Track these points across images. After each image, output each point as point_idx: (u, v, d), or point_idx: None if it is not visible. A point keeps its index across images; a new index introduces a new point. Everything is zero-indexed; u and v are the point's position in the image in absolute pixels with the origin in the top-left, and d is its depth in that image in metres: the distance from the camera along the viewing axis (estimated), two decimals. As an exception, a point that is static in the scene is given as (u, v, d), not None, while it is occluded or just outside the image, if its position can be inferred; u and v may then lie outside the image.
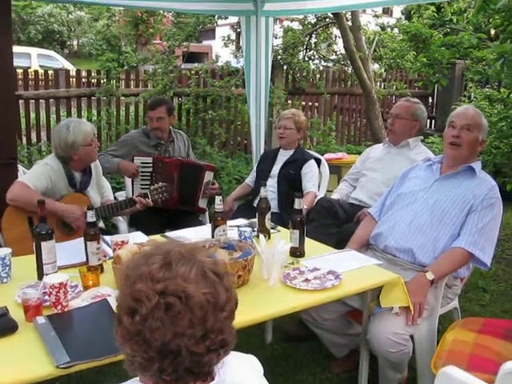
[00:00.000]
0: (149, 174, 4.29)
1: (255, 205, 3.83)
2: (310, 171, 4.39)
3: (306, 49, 9.21)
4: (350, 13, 7.81)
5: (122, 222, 4.20)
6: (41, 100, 7.30)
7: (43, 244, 2.49)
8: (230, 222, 3.27)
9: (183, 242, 1.40)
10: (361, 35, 7.90)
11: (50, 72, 7.67)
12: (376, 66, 9.56)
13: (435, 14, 8.38)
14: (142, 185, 4.30)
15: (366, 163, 4.25)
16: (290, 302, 2.43)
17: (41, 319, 2.10)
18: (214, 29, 20.84)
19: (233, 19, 8.57)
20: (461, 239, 2.93)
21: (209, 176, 4.41)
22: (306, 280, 2.59)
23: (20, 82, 7.41)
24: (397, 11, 20.58)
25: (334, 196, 4.26)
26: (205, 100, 8.02)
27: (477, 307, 4.28)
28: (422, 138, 4.25)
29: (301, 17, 8.96)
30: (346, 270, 2.70)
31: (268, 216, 3.18)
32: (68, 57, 26.07)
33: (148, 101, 7.08)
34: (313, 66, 9.38)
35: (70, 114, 7.35)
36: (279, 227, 3.45)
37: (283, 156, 4.53)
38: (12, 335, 2.03)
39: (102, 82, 7.59)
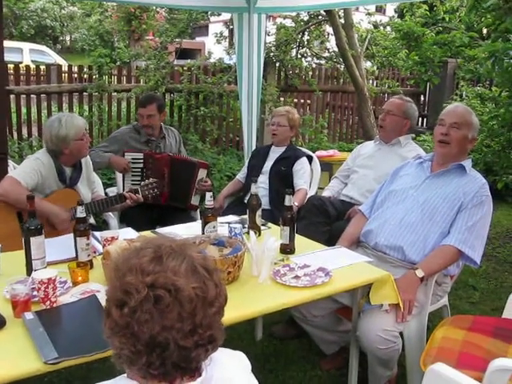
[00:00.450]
0: (139, 169, 4.28)
1: (246, 201, 3.83)
2: (301, 168, 4.39)
3: (299, 46, 9.22)
4: (342, 10, 7.82)
5: (112, 218, 4.19)
6: (32, 95, 7.28)
7: (32, 239, 2.48)
8: (220, 219, 3.26)
9: (174, 237, 1.39)
10: (353, 33, 7.92)
11: (42, 67, 7.66)
12: (368, 64, 9.58)
13: (428, 13, 8.40)
14: (132, 180, 4.29)
15: (357, 160, 4.25)
16: (280, 299, 2.42)
17: (29, 315, 2.09)
18: (207, 25, 20.83)
19: (226, 16, 8.55)
20: (451, 237, 2.94)
21: (202, 173, 4.40)
22: (296, 277, 2.59)
23: (11, 76, 7.36)
24: (390, 9, 20.63)
25: (325, 193, 4.26)
26: (197, 96, 8.01)
27: (467, 305, 4.29)
28: (413, 135, 4.25)
29: (293, 14, 8.97)
30: (336, 267, 2.69)
31: (259, 213, 3.17)
32: (60, 52, 25.97)
33: (140, 97, 7.09)
34: (305, 64, 9.40)
35: (62, 109, 7.33)
36: (270, 224, 3.45)
37: (275, 153, 4.53)
38: (0, 331, 2.01)
39: (93, 77, 7.56)
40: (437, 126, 3.19)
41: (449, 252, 2.93)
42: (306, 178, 4.39)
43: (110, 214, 4.19)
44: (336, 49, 8.45)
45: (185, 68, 8.15)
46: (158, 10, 15.98)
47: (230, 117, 8.40)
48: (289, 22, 9.31)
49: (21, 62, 12.27)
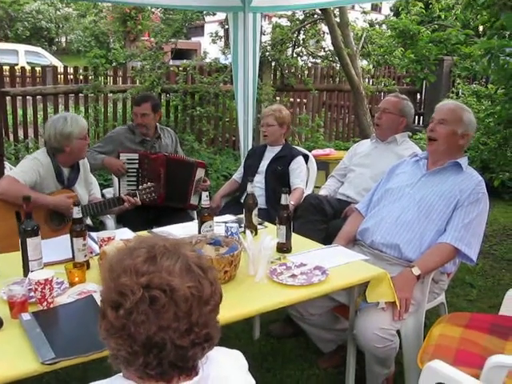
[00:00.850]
0: (135, 170, 4.28)
1: (242, 201, 3.83)
2: (298, 167, 4.39)
3: (295, 45, 9.23)
4: (337, 9, 7.82)
5: (109, 218, 4.18)
6: (28, 97, 7.27)
7: (29, 241, 2.48)
8: (217, 218, 3.26)
9: (168, 236, 1.39)
10: (349, 31, 7.92)
11: (38, 69, 7.65)
12: (364, 63, 9.59)
13: (423, 11, 8.40)
14: (128, 181, 4.28)
15: (354, 159, 4.26)
16: (277, 298, 2.42)
17: (26, 316, 2.09)
18: (203, 25, 20.85)
19: (221, 15, 8.54)
20: (447, 234, 2.94)
21: (200, 173, 4.40)
22: (293, 275, 2.59)
23: (7, 78, 7.36)
24: (385, 8, 20.67)
25: (322, 192, 4.26)
26: (193, 96, 8.02)
27: (464, 303, 4.30)
28: (409, 134, 4.26)
29: (289, 13, 8.97)
30: (332, 266, 2.70)
31: (255, 212, 3.17)
32: (56, 54, 25.93)
33: (136, 96, 7.08)
34: (301, 63, 9.41)
35: (57, 110, 7.32)
36: (266, 223, 3.45)
37: (271, 152, 4.53)
38: (-3, 332, 2.01)
39: (89, 78, 7.55)
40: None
41: (445, 250, 2.93)
42: (302, 176, 4.39)
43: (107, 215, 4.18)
44: (332, 47, 8.45)
45: (180, 68, 8.15)
46: (153, 10, 15.97)
47: (226, 117, 8.40)
48: (284, 21, 9.31)
49: (16, 64, 12.26)
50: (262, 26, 6.50)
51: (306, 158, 4.59)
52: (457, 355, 2.46)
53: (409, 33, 7.11)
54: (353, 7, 10.59)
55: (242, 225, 3.21)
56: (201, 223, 2.97)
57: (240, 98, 5.59)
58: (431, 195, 3.06)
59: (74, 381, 3.13)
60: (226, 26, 8.27)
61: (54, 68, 7.89)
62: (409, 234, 3.03)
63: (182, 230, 3.19)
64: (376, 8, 22.43)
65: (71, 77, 7.80)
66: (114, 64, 8.53)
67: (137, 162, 4.27)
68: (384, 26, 9.74)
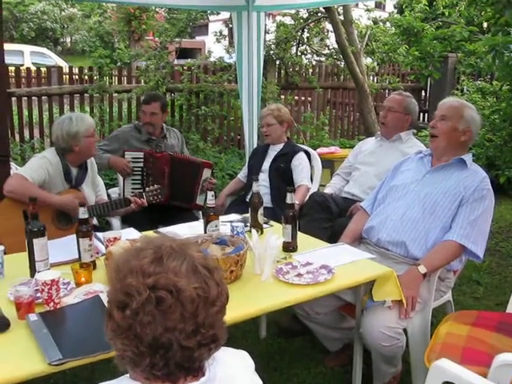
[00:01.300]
0: (140, 168, 4.28)
1: (248, 200, 3.83)
2: (299, 164, 4.39)
3: (299, 43, 9.22)
4: (341, 7, 7.81)
5: (115, 218, 4.19)
6: (33, 97, 7.28)
7: (35, 241, 2.49)
8: (222, 218, 3.26)
9: (174, 237, 1.39)
10: (353, 29, 7.91)
11: (43, 69, 7.66)
12: (368, 60, 9.57)
13: (427, 8, 8.38)
14: (133, 180, 4.29)
15: (359, 157, 4.25)
16: (283, 297, 2.42)
17: (33, 316, 2.09)
18: (207, 24, 20.81)
19: (225, 15, 8.54)
20: (453, 232, 2.93)
21: (207, 173, 4.41)
22: (299, 274, 2.59)
23: (12, 79, 7.38)
24: (389, 5, 20.57)
25: (327, 190, 4.26)
26: (198, 96, 8.01)
27: (471, 300, 4.29)
28: (414, 131, 4.25)
29: (293, 11, 8.95)
30: (338, 264, 2.70)
31: (260, 211, 3.17)
32: (61, 54, 25.97)
33: (141, 97, 7.09)
34: (305, 61, 9.39)
35: (63, 110, 7.33)
36: (272, 222, 3.45)
37: (273, 150, 4.54)
38: (4, 333, 2.02)
39: (94, 78, 7.56)
40: None
41: (451, 247, 2.93)
42: (305, 173, 4.39)
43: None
44: (336, 45, 8.44)
45: (185, 67, 8.14)
46: (157, 10, 15.97)
47: (230, 115, 8.40)
48: (288, 20, 9.30)
49: (22, 65, 12.31)
50: (266, 25, 6.49)
51: (308, 154, 4.59)
52: (464, 353, 2.46)
53: (413, 30, 7.11)
54: (356, 5, 10.57)
55: (248, 224, 3.22)
56: (206, 223, 2.97)
57: (245, 97, 5.59)
58: (436, 192, 3.05)
59: (81, 381, 3.14)
60: (230, 25, 8.26)
61: (60, 68, 7.89)
62: (414, 232, 3.02)
63: (187, 230, 3.19)
64: (380, 6, 22.39)
65: (76, 77, 7.80)
66: (119, 64, 8.52)
67: (142, 160, 4.28)
68: (388, 24, 9.71)
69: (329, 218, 3.85)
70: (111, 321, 1.26)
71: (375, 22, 9.63)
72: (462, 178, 3.03)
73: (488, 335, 2.61)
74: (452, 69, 9.81)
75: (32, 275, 2.46)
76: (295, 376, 3.28)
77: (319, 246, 3.03)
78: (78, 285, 2.41)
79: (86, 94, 7.51)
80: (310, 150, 4.77)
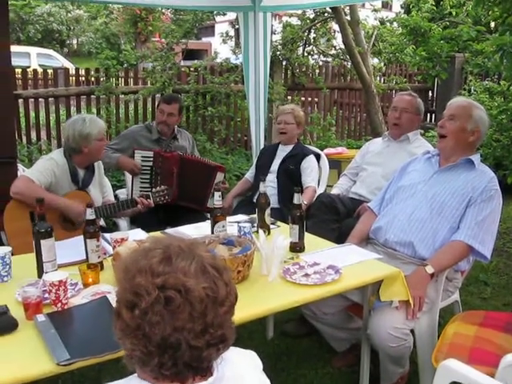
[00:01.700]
0: (149, 168, 4.29)
1: (255, 200, 3.83)
2: (309, 166, 4.39)
3: (305, 44, 9.21)
4: (348, 7, 7.80)
5: (122, 219, 4.19)
6: (40, 99, 7.31)
7: (43, 242, 2.49)
8: (229, 218, 3.26)
9: (182, 237, 1.39)
10: (360, 30, 7.89)
11: (50, 71, 7.68)
12: (375, 61, 9.55)
13: (434, 8, 8.35)
14: (142, 179, 4.30)
15: (366, 157, 4.25)
16: (291, 297, 2.42)
17: (41, 317, 2.10)
18: (214, 26, 20.83)
19: (231, 15, 8.55)
20: (460, 232, 2.93)
21: (220, 176, 4.41)
22: (306, 275, 2.59)
23: (19, 81, 7.40)
24: (396, 5, 20.52)
25: (334, 191, 4.26)
26: (204, 97, 8.02)
27: (478, 301, 4.27)
28: (421, 131, 4.25)
29: (299, 12, 8.95)
30: (346, 265, 2.69)
31: (268, 211, 3.17)
32: (68, 56, 26.06)
33: (148, 98, 7.12)
34: (312, 61, 9.38)
35: (70, 112, 7.36)
36: (279, 222, 3.45)
37: (282, 151, 4.53)
38: (12, 333, 2.02)
39: (101, 80, 7.58)
40: None
41: (459, 248, 2.92)
42: (313, 175, 4.39)
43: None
44: (343, 46, 8.43)
45: (191, 69, 8.15)
46: (163, 11, 15.99)
47: (237, 116, 8.41)
48: (295, 20, 9.30)
49: (28, 67, 12.36)
50: (272, 26, 6.49)
51: (318, 156, 4.59)
52: (471, 354, 2.45)
53: (420, 30, 7.08)
54: (363, 5, 10.54)
55: (255, 224, 3.22)
56: (214, 223, 2.97)
57: (251, 98, 5.59)
58: (443, 192, 3.05)
59: (88, 381, 3.15)
60: (237, 26, 8.27)
61: (66, 70, 7.92)
62: (422, 232, 3.01)
63: (194, 231, 3.20)
64: (386, 6, 22.35)
65: (83, 78, 7.82)
66: (125, 65, 8.53)
67: (151, 159, 4.29)
68: (395, 24, 9.69)
69: (336, 219, 3.84)
70: (120, 320, 1.27)
71: (382, 22, 9.61)
72: (470, 179, 3.03)
73: (496, 335, 2.61)
74: (459, 69, 9.79)
75: (40, 276, 2.46)
76: (302, 376, 3.27)
77: (326, 247, 3.02)
78: (86, 285, 2.41)
79: (92, 96, 7.53)
80: (319, 151, 4.77)
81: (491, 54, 4.83)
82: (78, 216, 3.51)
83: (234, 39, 9.22)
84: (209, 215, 4.33)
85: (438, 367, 2.21)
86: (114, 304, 1.31)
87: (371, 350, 2.97)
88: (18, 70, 7.41)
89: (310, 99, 9.33)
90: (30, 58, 18.20)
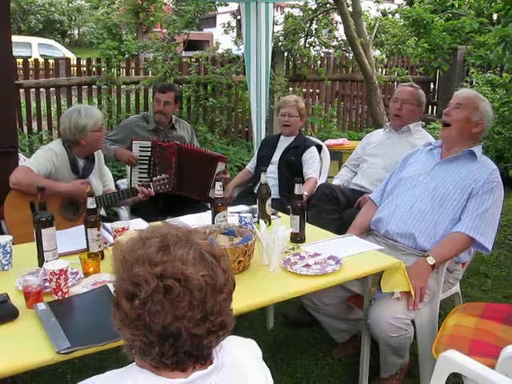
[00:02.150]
0: (147, 158, 4.28)
1: (256, 191, 3.83)
2: (310, 157, 4.39)
3: (307, 35, 9.18)
4: (350, -2, 7.77)
5: (123, 209, 4.19)
6: (41, 89, 7.29)
7: (43, 231, 2.49)
8: (230, 209, 3.27)
9: (179, 225, 1.39)
10: (362, 21, 7.86)
11: (51, 61, 7.66)
12: (377, 52, 9.53)
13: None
14: (140, 169, 4.29)
15: (367, 149, 4.24)
16: (291, 287, 2.42)
17: (41, 306, 2.10)
18: (215, 16, 20.81)
19: (233, 6, 8.52)
20: (461, 224, 2.92)
21: (221, 167, 4.39)
22: (307, 265, 2.59)
23: (20, 71, 7.38)
24: (398, -3, 20.47)
25: (335, 182, 4.26)
26: (205, 87, 8.00)
27: (478, 293, 4.28)
28: (423, 123, 4.24)
29: (301, 3, 8.93)
30: (346, 255, 2.69)
31: (268, 202, 3.17)
32: (69, 46, 26.01)
33: (149, 88, 7.10)
34: (314, 53, 9.36)
35: (71, 102, 7.34)
36: (280, 213, 3.45)
37: (284, 142, 4.52)
38: (13, 322, 2.03)
39: (102, 70, 7.56)
40: None
41: (460, 239, 2.92)
42: (315, 167, 4.38)
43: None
44: (344, 37, 8.40)
45: (193, 59, 8.13)
46: (165, 1, 15.93)
47: (238, 107, 8.39)
48: (297, 12, 9.27)
49: (30, 57, 12.33)
50: (274, 16, 6.47)
51: (319, 148, 4.58)
52: (472, 345, 2.46)
53: (422, 22, 7.04)
54: (365, -4, 10.50)
55: (256, 215, 3.22)
56: (214, 213, 2.97)
57: (253, 89, 5.59)
58: (445, 184, 3.04)
59: (89, 370, 3.14)
60: (239, 17, 8.25)
61: (67, 60, 7.89)
62: (423, 223, 3.01)
63: (196, 220, 3.19)
64: (389, -3, 22.29)
65: (84, 69, 7.81)
66: (127, 56, 8.50)
67: (149, 149, 4.28)
68: (397, 15, 9.66)
69: (337, 210, 3.85)
70: (119, 311, 1.26)
71: (384, 13, 9.58)
72: (472, 170, 3.02)
73: (496, 327, 2.61)
74: (461, 61, 9.77)
75: (40, 265, 2.47)
76: (302, 367, 3.28)
77: (327, 237, 3.02)
78: (86, 275, 2.41)
79: (93, 86, 7.51)
80: (320, 143, 4.76)
81: (493, 45, 4.80)
82: (83, 193, 3.46)
83: (235, 30, 9.19)
84: (210, 205, 4.36)
85: (438, 358, 2.21)
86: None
87: (371, 342, 2.97)
88: (19, 60, 7.40)
89: (311, 90, 9.31)
90: (31, 48, 18.17)
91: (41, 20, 28.95)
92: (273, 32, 6.25)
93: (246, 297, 2.23)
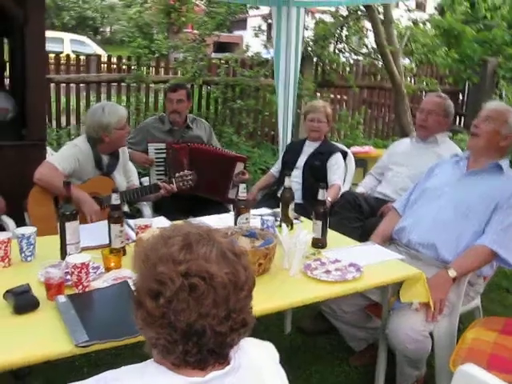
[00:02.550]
0: (163, 159, 4.30)
1: (279, 195, 3.83)
2: (335, 163, 4.37)
3: (337, 41, 9.16)
4: (382, 6, 7.75)
5: (146, 206, 4.22)
6: (71, 84, 7.36)
7: (67, 224, 2.52)
8: (253, 211, 3.26)
9: (200, 224, 1.39)
10: (392, 29, 7.83)
11: (82, 57, 7.74)
12: (407, 61, 9.48)
13: (469, 10, 8.26)
14: (157, 171, 4.32)
15: (393, 157, 4.22)
16: (311, 293, 2.42)
17: (62, 298, 2.12)
18: (246, 19, 20.84)
19: (264, 10, 8.55)
20: (485, 237, 2.89)
21: (239, 167, 4.39)
22: (327, 271, 2.58)
23: (52, 66, 7.47)
24: (430, 7, 20.34)
25: (359, 189, 4.25)
26: (233, 89, 8.02)
27: (499, 308, 4.22)
28: (450, 134, 4.21)
29: (332, 9, 8.92)
30: (367, 263, 2.68)
31: (291, 206, 3.17)
32: (100, 43, 26.22)
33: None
34: (343, 59, 9.34)
35: (100, 98, 7.41)
36: (302, 218, 3.44)
37: (309, 147, 4.51)
38: (33, 312, 2.05)
39: (132, 68, 7.62)
40: None
41: (482, 252, 2.89)
42: (339, 173, 4.37)
43: (144, 202, 4.21)
44: (374, 45, 8.38)
45: (222, 61, 8.16)
46: (197, 2, 16.01)
47: (265, 110, 8.39)
48: (328, 18, 9.26)
49: (61, 52, 12.43)
50: (305, 21, 6.47)
51: (345, 154, 4.57)
52: (490, 360, 2.43)
53: (453, 32, 7.02)
54: (397, 5, 10.45)
55: (278, 218, 3.21)
56: (237, 215, 2.97)
57: (281, 93, 5.59)
58: (470, 196, 3.02)
59: (104, 365, 3.15)
60: (269, 21, 8.26)
61: (98, 57, 7.97)
62: (446, 234, 2.98)
63: (218, 221, 3.20)
64: (420, 6, 22.16)
65: (114, 66, 7.88)
66: (157, 55, 8.56)
67: (164, 151, 4.30)
68: (428, 25, 9.61)
69: (359, 218, 3.83)
70: (141, 310, 1.26)
71: (415, 22, 9.52)
72: (498, 184, 2.99)
73: (516, 343, 2.58)
74: (491, 73, 9.66)
75: (63, 258, 2.49)
76: (317, 373, 3.27)
77: (349, 244, 3.01)
78: (108, 270, 2.43)
79: (123, 84, 7.58)
80: (346, 149, 4.75)
81: (525, 58, 4.77)
82: (89, 213, 3.47)
83: (265, 33, 9.21)
84: (231, 206, 4.36)
85: (456, 371, 2.18)
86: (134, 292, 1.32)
87: (388, 351, 2.96)
88: (51, 55, 7.47)
89: (338, 97, 9.29)
90: (63, 43, 18.34)
91: (74, 16, 29.28)
92: (303, 37, 6.24)
93: (264, 300, 2.23)
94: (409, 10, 9.33)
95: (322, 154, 4.43)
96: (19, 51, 3.98)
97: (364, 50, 9.60)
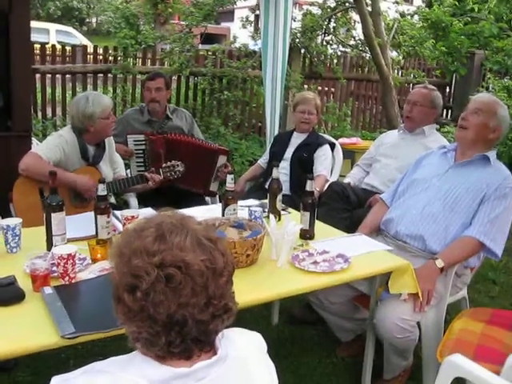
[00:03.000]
0: (142, 151, 4.25)
1: (267, 187, 3.82)
2: (323, 155, 4.37)
3: (325, 33, 9.14)
4: (369, -2, 7.74)
5: (133, 197, 4.19)
6: (57, 75, 7.29)
7: (53, 215, 2.50)
8: (240, 202, 3.25)
9: (172, 213, 1.38)
10: (380, 21, 7.81)
11: (68, 48, 7.67)
12: (394, 54, 9.49)
13: (456, 3, 8.27)
14: (137, 162, 4.26)
15: (380, 149, 4.22)
16: (298, 284, 2.42)
17: (48, 289, 2.10)
18: (233, 11, 20.77)
19: (252, 1, 8.50)
20: (472, 228, 2.91)
21: (222, 160, 4.34)
22: (315, 262, 2.58)
23: (37, 56, 7.40)
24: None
25: (347, 180, 4.25)
26: (221, 80, 7.99)
27: (486, 299, 4.25)
28: (437, 126, 4.21)
29: (320, 1, 8.89)
30: (355, 254, 2.68)
31: (279, 197, 3.16)
32: (86, 34, 26.07)
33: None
34: (330, 51, 9.32)
35: (86, 89, 7.33)
36: (290, 209, 3.44)
37: (297, 139, 4.50)
38: (19, 304, 2.03)
39: (118, 58, 7.57)
40: None
41: (470, 243, 2.90)
42: (326, 164, 4.37)
43: (131, 194, 4.18)
44: (362, 37, 8.37)
45: (209, 52, 8.13)
46: (184, -7, 15.92)
47: (253, 102, 8.37)
48: (315, 9, 9.23)
49: (47, 43, 12.33)
50: (292, 13, 6.45)
51: (333, 146, 4.57)
52: (477, 351, 2.45)
53: (441, 24, 7.02)
54: (385, -4, 10.44)
55: (266, 209, 3.20)
56: (224, 206, 2.96)
57: (268, 84, 5.57)
58: (458, 188, 3.02)
59: (92, 357, 3.13)
60: (257, 12, 8.22)
61: (84, 47, 7.90)
62: (434, 226, 2.99)
63: (205, 213, 3.18)
64: (408, -1, 22.19)
65: (101, 57, 7.82)
66: (144, 46, 8.50)
67: (143, 142, 4.25)
68: (416, 17, 9.61)
69: (347, 208, 3.83)
70: (121, 305, 1.26)
71: (403, 15, 9.52)
72: (485, 175, 3.00)
73: (502, 333, 2.59)
74: (478, 65, 9.70)
75: (49, 249, 2.47)
76: (305, 364, 3.28)
77: (337, 235, 3.02)
78: (94, 261, 2.42)
79: (109, 74, 7.52)
80: (334, 141, 4.74)
81: (512, 51, 4.78)
82: (87, 190, 3.49)
83: (253, 25, 9.17)
84: (209, 199, 4.31)
85: (443, 362, 2.20)
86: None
87: (376, 343, 2.96)
88: (37, 46, 7.39)
89: (326, 89, 9.28)
90: (48, 34, 18.20)
91: (59, 7, 29.06)
92: (290, 28, 6.21)
93: (252, 290, 2.23)
94: (397, 2, 9.32)
95: (309, 146, 4.42)
96: (4, 42, 3.93)
97: (352, 42, 9.58)
